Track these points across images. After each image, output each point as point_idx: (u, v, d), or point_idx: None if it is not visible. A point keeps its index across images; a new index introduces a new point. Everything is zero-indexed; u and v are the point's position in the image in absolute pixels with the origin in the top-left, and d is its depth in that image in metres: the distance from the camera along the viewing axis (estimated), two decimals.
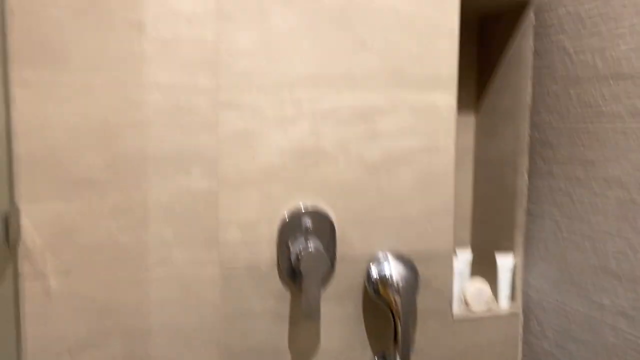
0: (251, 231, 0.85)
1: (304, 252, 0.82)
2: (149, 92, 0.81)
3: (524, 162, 0.98)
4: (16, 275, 0.79)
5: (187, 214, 0.84)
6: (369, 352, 0.93)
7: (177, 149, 0.82)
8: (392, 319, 0.87)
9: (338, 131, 0.87)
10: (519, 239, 1.00)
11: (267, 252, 0.86)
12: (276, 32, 0.84)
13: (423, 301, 0.93)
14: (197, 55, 0.82)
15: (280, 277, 0.87)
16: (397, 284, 0.86)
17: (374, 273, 0.89)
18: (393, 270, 0.88)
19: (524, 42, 0.97)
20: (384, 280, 0.87)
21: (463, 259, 1.02)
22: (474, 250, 1.08)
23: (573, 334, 0.89)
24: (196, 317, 0.86)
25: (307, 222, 0.87)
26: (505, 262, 1.00)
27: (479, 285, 1.00)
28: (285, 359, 0.90)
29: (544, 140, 0.93)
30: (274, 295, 0.87)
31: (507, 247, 1.03)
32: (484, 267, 1.07)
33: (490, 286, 1.01)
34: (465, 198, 1.15)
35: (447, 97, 0.91)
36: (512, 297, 1.01)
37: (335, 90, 0.86)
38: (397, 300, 0.86)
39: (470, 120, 1.13)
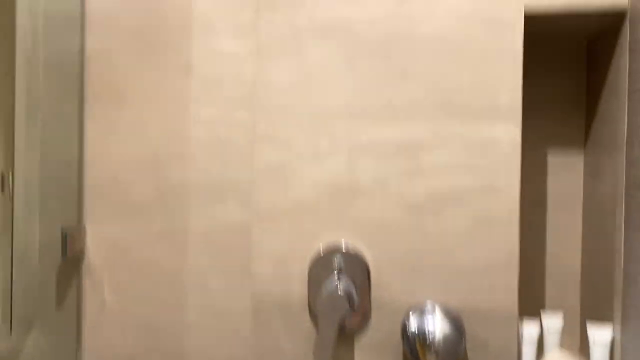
0: (282, 266, 0.83)
1: (323, 294, 0.77)
2: (194, 126, 0.86)
3: (621, 210, 0.79)
4: (79, 289, 0.90)
5: (222, 244, 0.86)
6: None
7: (215, 180, 0.86)
8: None
9: (376, 166, 0.81)
10: (617, 306, 0.80)
11: (298, 289, 0.83)
12: (312, 66, 0.82)
13: None
14: (237, 92, 0.85)
15: (311, 317, 0.83)
16: (438, 345, 0.76)
17: (413, 325, 0.79)
18: (437, 326, 0.77)
19: (621, 63, 0.80)
20: (422, 336, 0.77)
21: (550, 324, 0.84)
22: (570, 316, 0.89)
23: None
24: (227, 347, 0.86)
25: (340, 261, 0.82)
26: (599, 336, 0.80)
27: (557, 359, 0.82)
28: None
29: None
30: (304, 336, 0.83)
31: (605, 317, 0.82)
32: (584, 338, 0.87)
33: None
34: (572, 252, 0.96)
35: (509, 129, 0.78)
36: None
37: (373, 122, 0.81)
38: None
39: (580, 158, 0.95)
